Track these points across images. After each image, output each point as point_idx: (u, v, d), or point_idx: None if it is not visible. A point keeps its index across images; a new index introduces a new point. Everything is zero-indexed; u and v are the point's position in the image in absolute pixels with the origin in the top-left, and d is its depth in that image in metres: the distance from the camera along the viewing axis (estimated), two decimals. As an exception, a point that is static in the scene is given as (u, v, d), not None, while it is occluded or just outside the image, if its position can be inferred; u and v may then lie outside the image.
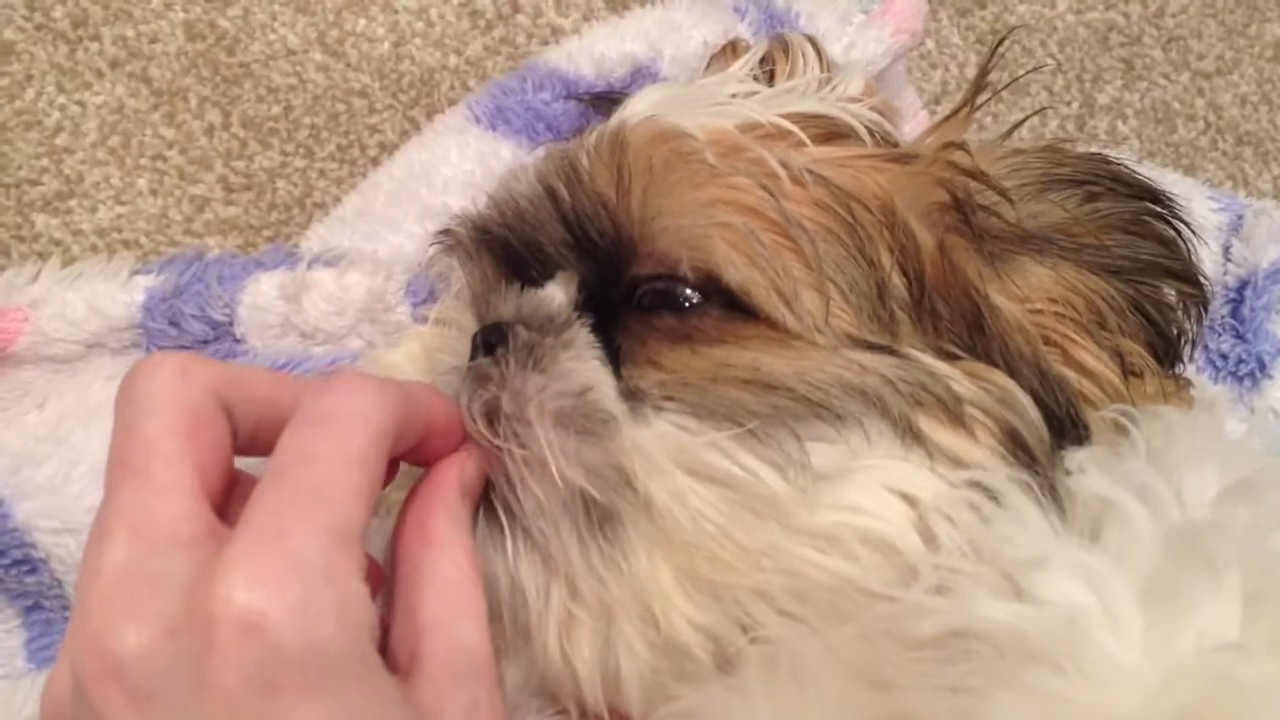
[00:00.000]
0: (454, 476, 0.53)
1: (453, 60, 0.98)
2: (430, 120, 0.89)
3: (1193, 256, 0.63)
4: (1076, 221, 0.62)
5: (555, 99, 0.78)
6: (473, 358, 0.59)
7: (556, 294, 0.61)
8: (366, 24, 0.98)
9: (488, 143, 0.77)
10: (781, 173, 0.58)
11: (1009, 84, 0.95)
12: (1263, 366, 0.77)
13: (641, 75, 0.79)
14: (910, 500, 0.54)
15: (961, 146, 0.61)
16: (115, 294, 0.71)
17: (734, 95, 0.64)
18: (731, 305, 0.57)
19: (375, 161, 0.93)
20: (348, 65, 0.97)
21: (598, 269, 0.60)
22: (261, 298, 0.70)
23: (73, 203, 0.92)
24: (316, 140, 0.95)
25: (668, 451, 0.53)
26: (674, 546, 0.53)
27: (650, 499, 0.53)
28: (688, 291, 0.57)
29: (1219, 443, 0.60)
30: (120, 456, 0.46)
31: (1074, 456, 0.55)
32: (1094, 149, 0.66)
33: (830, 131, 0.63)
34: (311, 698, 0.41)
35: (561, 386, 0.55)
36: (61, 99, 0.95)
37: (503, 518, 0.55)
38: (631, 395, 0.55)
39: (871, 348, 0.56)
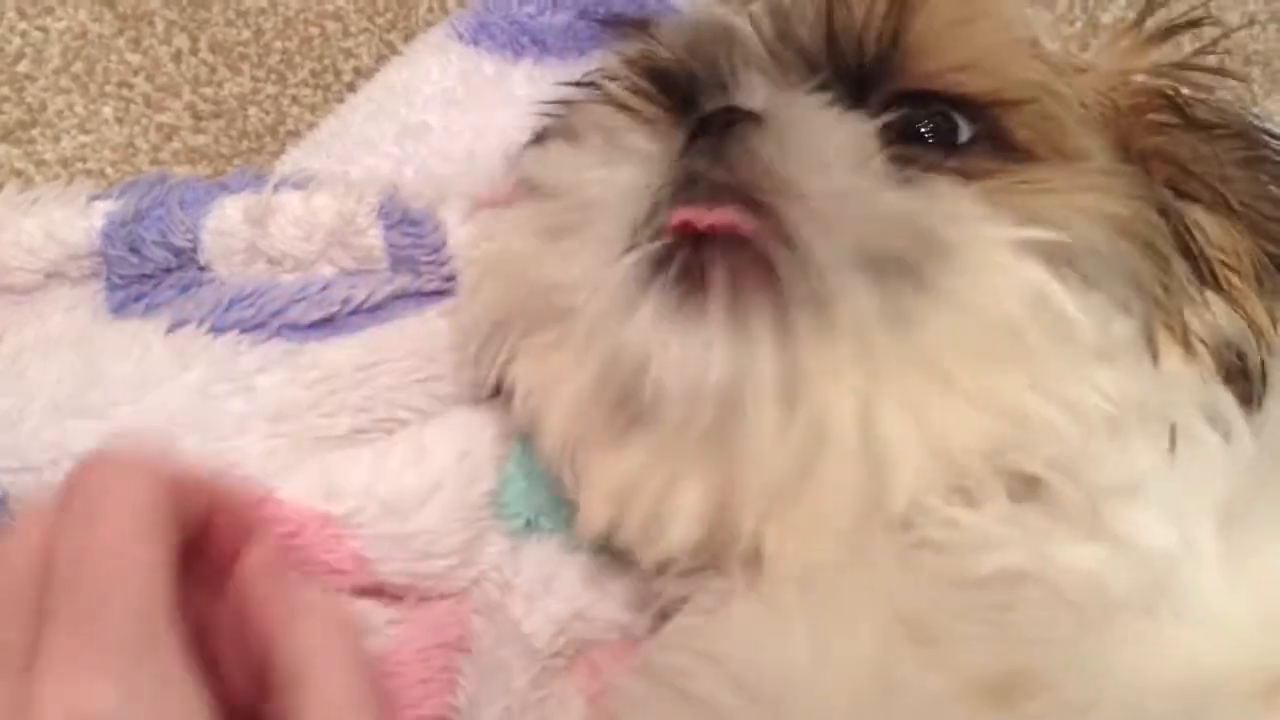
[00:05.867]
0: None
1: (433, -19, 0.94)
2: (408, 43, 0.85)
3: None
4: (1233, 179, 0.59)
5: (540, 12, 0.74)
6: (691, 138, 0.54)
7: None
8: (342, -57, 0.94)
9: (470, 59, 0.73)
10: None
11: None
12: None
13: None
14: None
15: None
16: (74, 220, 0.67)
17: None
18: (1000, 146, 0.54)
19: (351, 87, 0.89)
20: (322, -13, 0.93)
21: (836, 97, 0.55)
22: (226, 222, 0.66)
23: (35, 132, 0.88)
24: (289, 65, 0.90)
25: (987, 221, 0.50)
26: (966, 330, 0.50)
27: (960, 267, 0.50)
28: (959, 121, 0.54)
29: None
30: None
31: None
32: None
33: None
34: None
35: (846, 144, 0.51)
36: (23, 25, 0.90)
37: (748, 295, 0.49)
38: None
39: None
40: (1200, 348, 0.54)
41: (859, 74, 0.55)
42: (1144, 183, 0.56)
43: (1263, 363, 0.55)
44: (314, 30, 0.91)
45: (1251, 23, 1.04)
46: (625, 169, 0.55)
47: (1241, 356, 0.56)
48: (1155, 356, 0.53)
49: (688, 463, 0.52)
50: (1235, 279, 0.57)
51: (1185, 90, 0.59)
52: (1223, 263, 0.57)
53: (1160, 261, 0.54)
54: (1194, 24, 0.62)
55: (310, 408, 0.62)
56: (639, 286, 0.51)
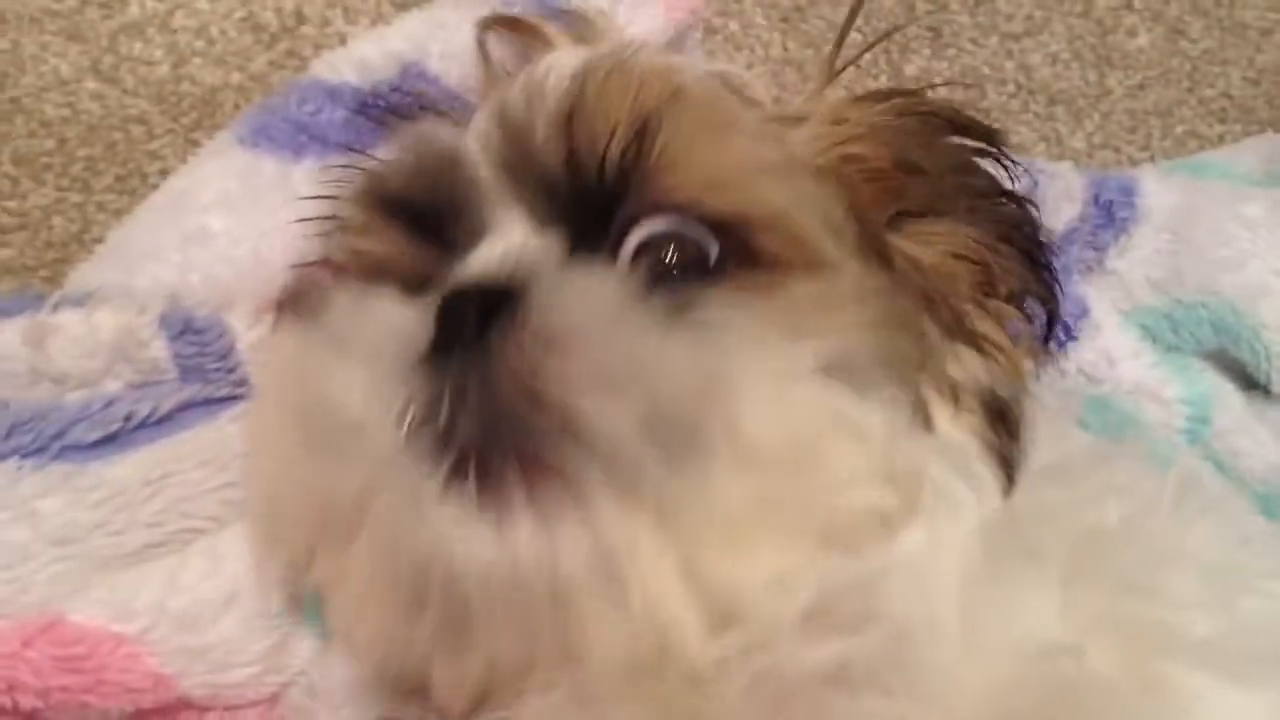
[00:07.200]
0: None
1: (236, 78, 0.94)
2: (213, 142, 0.85)
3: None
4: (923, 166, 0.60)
5: (319, 109, 0.74)
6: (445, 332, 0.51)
7: (540, 247, 0.55)
8: (143, 47, 0.93)
9: (249, 160, 0.73)
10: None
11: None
12: (1067, 329, 0.76)
13: (410, 74, 0.75)
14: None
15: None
16: None
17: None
18: (751, 260, 0.53)
19: (157, 189, 0.89)
20: (124, 91, 0.92)
21: (575, 218, 0.55)
22: (4, 347, 0.65)
23: None
24: (93, 172, 0.90)
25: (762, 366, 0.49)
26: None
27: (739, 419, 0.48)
28: (707, 238, 0.53)
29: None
30: None
31: None
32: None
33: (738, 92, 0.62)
34: None
35: (606, 309, 0.49)
36: None
37: (547, 485, 0.48)
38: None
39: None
40: (969, 401, 0.55)
41: (600, 193, 0.55)
42: (882, 252, 0.57)
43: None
44: (117, 135, 0.91)
45: (1054, 62, 1.06)
46: (378, 378, 0.51)
47: (1003, 405, 0.57)
48: (928, 422, 0.54)
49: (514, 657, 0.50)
50: (960, 295, 0.59)
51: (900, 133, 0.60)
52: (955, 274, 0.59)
53: (916, 335, 0.55)
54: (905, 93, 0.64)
55: (96, 528, 0.61)
56: (428, 491, 0.49)
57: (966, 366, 0.56)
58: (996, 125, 0.98)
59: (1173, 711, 0.44)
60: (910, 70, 1.04)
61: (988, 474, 0.52)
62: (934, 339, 0.55)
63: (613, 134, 0.53)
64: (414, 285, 0.57)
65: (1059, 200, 0.79)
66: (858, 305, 0.53)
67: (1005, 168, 0.62)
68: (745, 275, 0.53)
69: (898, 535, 0.50)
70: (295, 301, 0.64)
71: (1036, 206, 0.64)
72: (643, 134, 0.53)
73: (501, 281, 0.52)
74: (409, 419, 0.49)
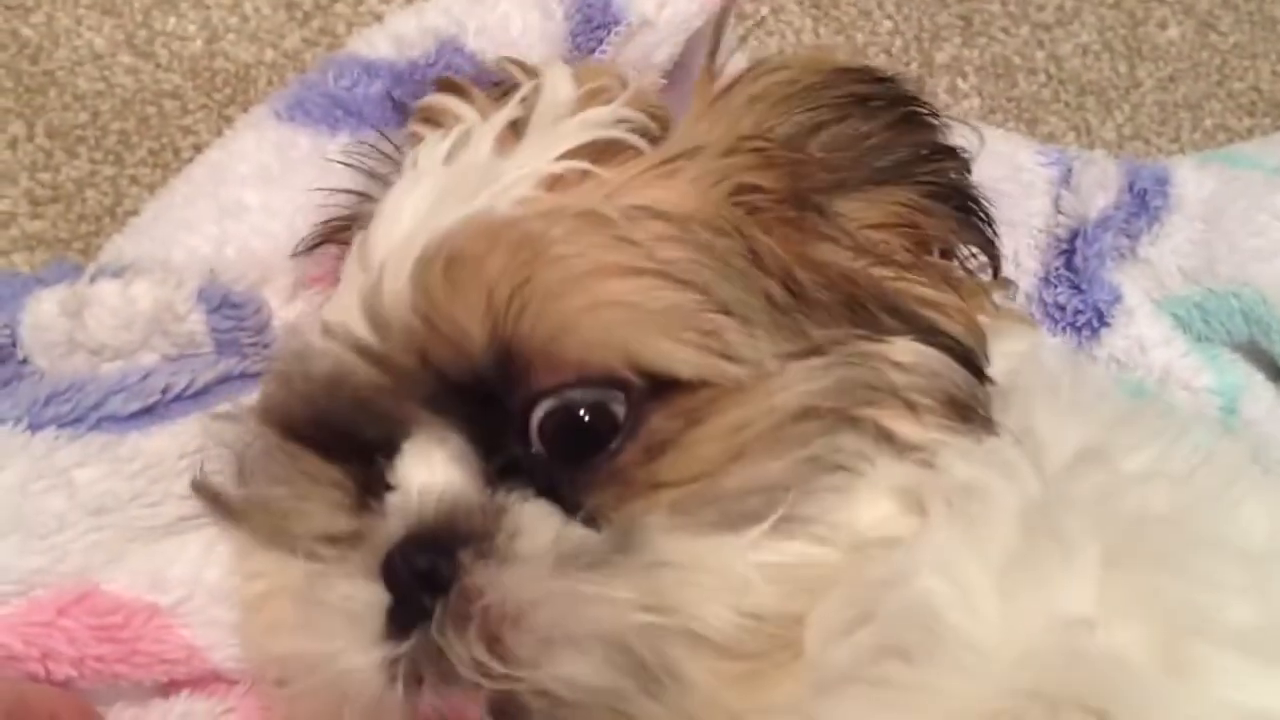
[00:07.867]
0: None
1: (269, 55, 0.94)
2: (245, 118, 0.85)
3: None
4: (841, 146, 0.59)
5: (354, 84, 0.74)
6: (396, 594, 0.52)
7: (450, 473, 0.55)
8: (177, 22, 0.94)
9: (285, 134, 0.73)
10: (618, 218, 0.53)
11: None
12: (1100, 316, 0.76)
13: (446, 50, 0.75)
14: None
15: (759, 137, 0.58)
16: (-110, 321, 0.67)
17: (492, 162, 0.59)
18: (662, 390, 0.52)
19: (189, 164, 0.89)
20: (158, 66, 0.93)
21: (471, 413, 0.54)
22: (42, 317, 0.65)
23: None
24: (126, 146, 0.90)
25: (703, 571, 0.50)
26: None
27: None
28: (611, 399, 0.52)
29: (1077, 407, 0.58)
30: None
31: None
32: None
33: (602, 150, 0.59)
34: None
35: (537, 569, 0.50)
36: None
37: None
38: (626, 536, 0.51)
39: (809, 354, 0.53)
40: (923, 400, 0.55)
41: (483, 390, 0.54)
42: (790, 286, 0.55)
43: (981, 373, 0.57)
44: (151, 110, 0.91)
45: (1085, 53, 1.06)
46: (352, 652, 0.53)
47: (960, 392, 0.56)
48: (891, 439, 0.53)
49: None
50: (892, 266, 0.58)
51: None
52: (883, 246, 0.58)
53: (850, 388, 0.54)
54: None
55: (133, 499, 0.62)
56: None
57: (908, 361, 0.55)
58: (1026, 116, 0.99)
59: (1197, 691, 0.44)
60: (941, 59, 1.03)
61: (1019, 458, 0.52)
62: (871, 368, 0.54)
63: (468, 353, 0.53)
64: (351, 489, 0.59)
65: (1093, 188, 0.79)
66: (781, 409, 0.52)
67: (935, 123, 0.61)
68: (663, 409, 0.52)
69: (917, 538, 0.51)
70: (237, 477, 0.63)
71: (964, 154, 0.62)
72: (504, 343, 0.52)
73: (429, 528, 0.53)
74: (387, 684, 0.51)
